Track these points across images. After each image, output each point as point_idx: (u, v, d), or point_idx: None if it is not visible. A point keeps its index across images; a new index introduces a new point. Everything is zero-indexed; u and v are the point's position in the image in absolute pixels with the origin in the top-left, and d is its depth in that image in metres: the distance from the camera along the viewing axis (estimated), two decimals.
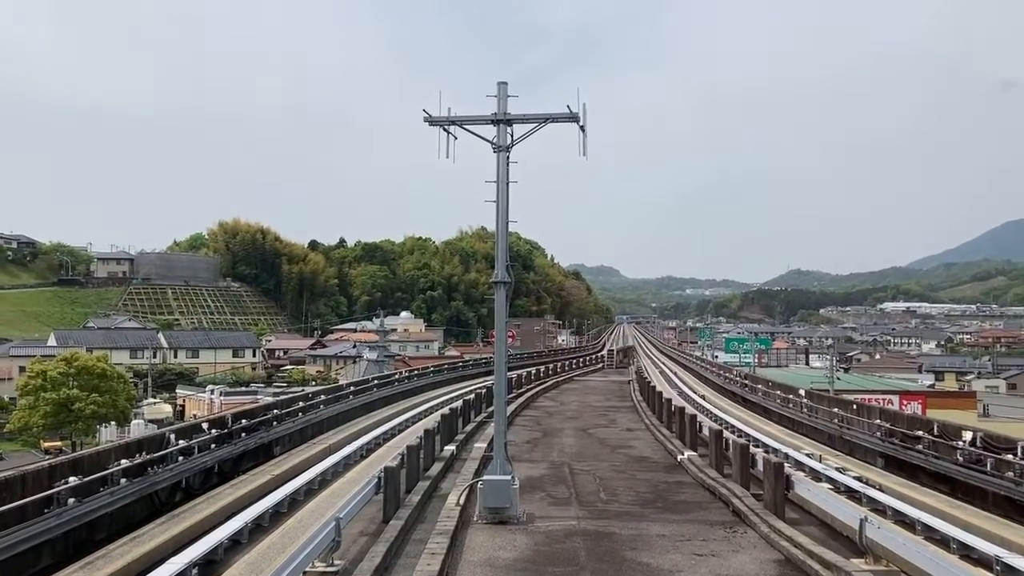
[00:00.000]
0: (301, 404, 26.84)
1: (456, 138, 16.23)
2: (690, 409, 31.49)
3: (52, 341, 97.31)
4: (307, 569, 11.67)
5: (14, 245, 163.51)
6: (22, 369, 73.99)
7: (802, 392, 31.24)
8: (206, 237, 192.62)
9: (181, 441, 17.61)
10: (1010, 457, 16.23)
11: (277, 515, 16.04)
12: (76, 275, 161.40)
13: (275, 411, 24.18)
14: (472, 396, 35.33)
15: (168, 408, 71.23)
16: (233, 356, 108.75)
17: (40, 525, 12.06)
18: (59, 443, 58.56)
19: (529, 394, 45.27)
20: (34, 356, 75.05)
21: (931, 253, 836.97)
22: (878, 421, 22.64)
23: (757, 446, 24.44)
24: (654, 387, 41.54)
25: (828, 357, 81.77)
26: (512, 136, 16.05)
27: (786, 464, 18.81)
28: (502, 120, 15.94)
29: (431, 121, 16.09)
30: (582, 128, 15.94)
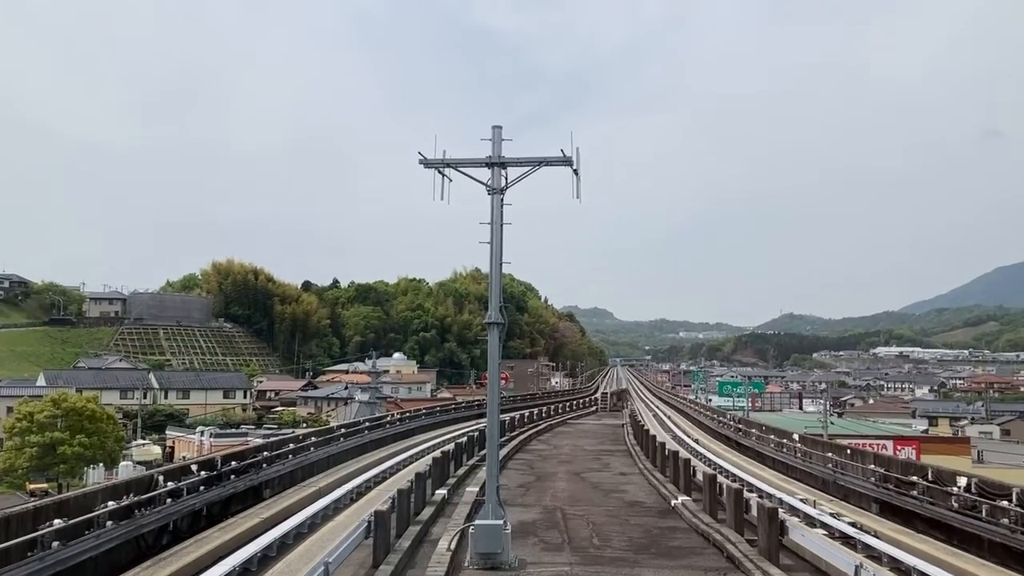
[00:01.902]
0: (291, 446, 26.59)
1: (451, 180, 16.35)
2: (684, 453, 31.32)
3: (41, 381, 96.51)
4: None
5: (6, 284, 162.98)
6: (10, 410, 73.25)
7: (796, 437, 31.11)
8: (199, 277, 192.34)
9: (169, 483, 17.40)
10: (1005, 503, 16.13)
11: (266, 559, 15.82)
12: (68, 315, 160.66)
13: (265, 453, 23.95)
14: (464, 439, 35.09)
15: (157, 449, 70.46)
16: (224, 397, 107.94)
17: (23, 569, 11.83)
18: (45, 485, 57.76)
19: (522, 437, 44.97)
20: (22, 396, 74.35)
21: (923, 298, 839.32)
22: (872, 466, 22.52)
23: (751, 491, 24.27)
24: (648, 431, 41.34)
25: (822, 401, 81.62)
26: (506, 179, 16.17)
27: (780, 509, 18.69)
28: (496, 163, 16.06)
29: (426, 163, 16.22)
30: (575, 172, 16.07)
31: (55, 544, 12.59)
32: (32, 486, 57.79)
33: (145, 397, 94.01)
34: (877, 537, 17.38)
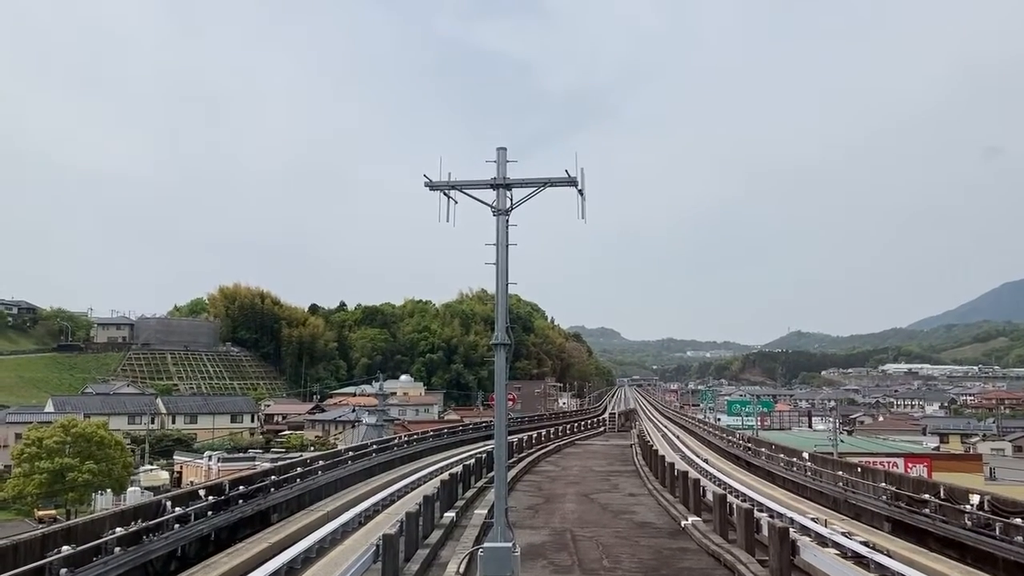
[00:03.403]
0: (299, 470, 26.53)
1: (456, 202, 16.37)
2: (693, 473, 31.18)
3: (49, 407, 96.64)
4: None
5: (15, 311, 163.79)
6: (18, 436, 73.32)
7: (806, 455, 30.92)
8: (206, 302, 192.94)
9: (177, 508, 17.36)
10: (1019, 521, 15.96)
11: None
12: (76, 341, 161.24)
13: (272, 477, 23.90)
14: (472, 461, 34.97)
15: (165, 475, 70.35)
16: (231, 421, 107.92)
17: None
18: (53, 511, 57.71)
19: (530, 458, 44.80)
20: (31, 423, 74.46)
21: (932, 314, 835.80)
22: (883, 484, 22.35)
23: (761, 511, 24.10)
24: (656, 451, 41.17)
25: (831, 419, 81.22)
26: (511, 200, 16.19)
27: (791, 529, 18.53)
28: (501, 184, 16.09)
29: (432, 186, 16.25)
30: (580, 192, 16.07)
31: (63, 571, 12.54)
32: (40, 512, 57.75)
33: (153, 422, 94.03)
34: (890, 556, 17.21)
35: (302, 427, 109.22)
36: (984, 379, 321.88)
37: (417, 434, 49.98)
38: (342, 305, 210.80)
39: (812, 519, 21.83)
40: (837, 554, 17.64)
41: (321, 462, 29.41)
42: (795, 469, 30.78)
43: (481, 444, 51.74)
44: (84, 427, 61.07)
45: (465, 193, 16.36)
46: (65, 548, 12.91)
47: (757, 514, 21.35)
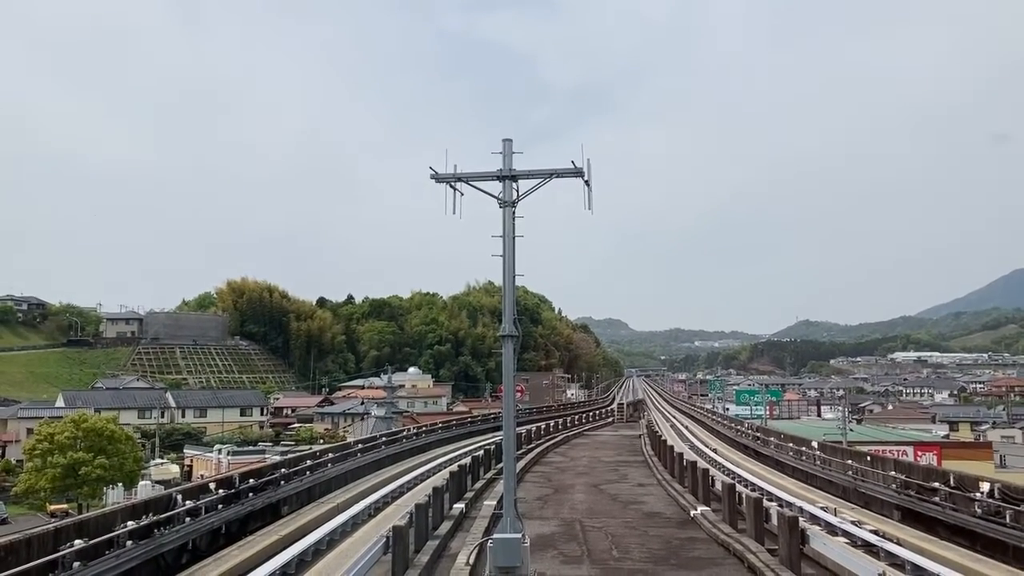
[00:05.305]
0: (309, 463, 26.60)
1: (463, 194, 16.35)
2: (702, 463, 31.19)
3: (60, 402, 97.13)
4: None
5: (24, 307, 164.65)
6: (30, 431, 73.75)
7: (815, 444, 30.88)
8: (214, 296, 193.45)
9: (188, 502, 17.43)
10: None
11: None
12: (85, 336, 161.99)
13: (282, 470, 23.98)
14: (481, 452, 35.06)
15: (175, 468, 70.72)
16: (241, 415, 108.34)
17: None
18: (65, 506, 58.09)
19: (539, 449, 44.86)
20: (42, 418, 74.90)
21: (940, 302, 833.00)
22: (893, 473, 22.32)
23: (771, 500, 24.11)
24: (665, 441, 41.17)
25: (840, 408, 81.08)
26: (518, 192, 16.15)
27: (801, 518, 18.53)
28: (507, 176, 16.05)
29: (438, 178, 16.23)
30: (587, 183, 16.03)
31: (76, 565, 12.63)
32: (53, 507, 58.11)
33: (163, 416, 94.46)
34: (900, 544, 17.21)
35: (311, 420, 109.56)
36: (994, 367, 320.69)
37: (426, 426, 50.07)
38: (350, 298, 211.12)
39: (822, 508, 21.83)
40: (847, 543, 17.64)
41: (331, 455, 29.49)
42: (804, 458, 30.75)
43: (490, 436, 51.84)
44: (95, 422, 61.30)
45: (471, 185, 16.33)
46: (78, 542, 13.00)
47: (766, 503, 21.36)
